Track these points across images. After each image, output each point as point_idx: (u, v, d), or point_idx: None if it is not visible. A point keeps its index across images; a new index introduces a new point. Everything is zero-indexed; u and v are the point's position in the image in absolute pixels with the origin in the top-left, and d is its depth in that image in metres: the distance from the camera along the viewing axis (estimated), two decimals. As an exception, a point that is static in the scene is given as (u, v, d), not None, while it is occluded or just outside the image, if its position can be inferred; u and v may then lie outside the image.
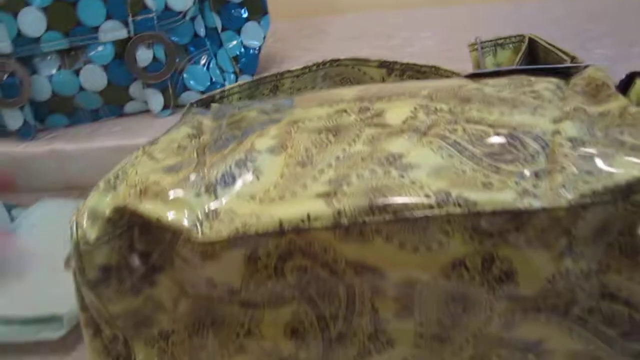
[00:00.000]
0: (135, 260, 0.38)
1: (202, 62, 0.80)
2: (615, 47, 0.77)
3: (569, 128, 0.37)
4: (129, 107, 0.81)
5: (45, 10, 0.74)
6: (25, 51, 0.75)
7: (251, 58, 0.84)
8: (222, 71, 0.82)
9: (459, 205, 0.33)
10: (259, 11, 0.84)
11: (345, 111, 0.42)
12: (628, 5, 0.92)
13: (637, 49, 0.77)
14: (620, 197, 0.32)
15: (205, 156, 0.41)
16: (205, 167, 0.39)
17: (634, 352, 0.37)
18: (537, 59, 0.70)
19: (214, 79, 0.81)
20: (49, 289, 0.58)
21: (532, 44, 0.67)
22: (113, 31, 0.76)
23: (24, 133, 0.78)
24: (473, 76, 0.50)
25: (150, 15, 0.75)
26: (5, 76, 0.75)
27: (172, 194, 0.37)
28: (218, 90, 0.59)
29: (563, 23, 0.88)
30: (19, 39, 0.75)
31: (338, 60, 0.66)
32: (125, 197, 0.38)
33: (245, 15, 0.84)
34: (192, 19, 0.79)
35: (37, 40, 0.75)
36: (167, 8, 0.76)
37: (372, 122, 0.40)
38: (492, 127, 0.38)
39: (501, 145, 0.36)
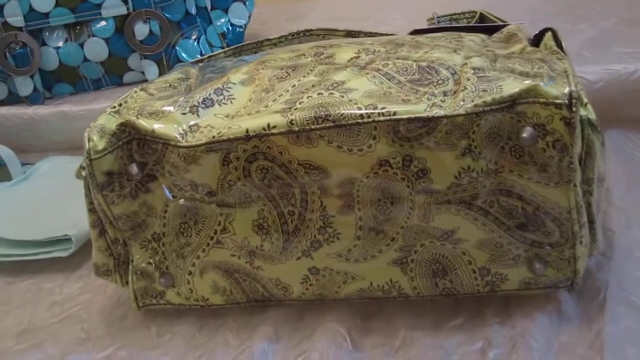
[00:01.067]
0: (134, 168, 0.48)
1: (193, 37, 0.90)
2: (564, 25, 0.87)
3: (475, 61, 0.47)
4: (127, 77, 0.91)
5: (54, -12, 0.84)
6: (36, 25, 0.85)
7: (237, 35, 0.94)
8: (210, 46, 0.92)
9: (383, 114, 0.43)
10: (245, -8, 0.94)
11: (304, 55, 0.52)
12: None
13: (582, 24, 0.87)
14: (506, 108, 0.42)
15: (191, 89, 0.51)
16: (190, 95, 0.49)
17: (529, 241, 0.47)
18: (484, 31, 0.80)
19: (203, 52, 0.90)
20: (58, 218, 0.67)
21: (483, 18, 0.77)
22: (114, 8, 0.86)
23: (34, 99, 0.88)
24: (415, 32, 0.60)
25: (147, -6, 0.85)
26: (18, 47, 0.85)
27: (163, 113, 0.47)
28: (206, 56, 0.69)
29: (523, 4, 0.98)
30: (31, 13, 0.84)
31: (310, 30, 0.75)
32: (126, 116, 0.47)
33: (232, -4, 0.94)
34: (184, -2, 0.89)
35: (46, 15, 0.85)
36: (162, -13, 0.86)
37: (323, 61, 0.50)
38: (416, 61, 0.48)
39: (420, 73, 0.46)
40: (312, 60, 0.51)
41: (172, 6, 0.87)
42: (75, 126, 0.85)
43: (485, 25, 0.60)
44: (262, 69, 0.51)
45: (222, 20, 0.94)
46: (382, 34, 0.73)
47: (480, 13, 0.79)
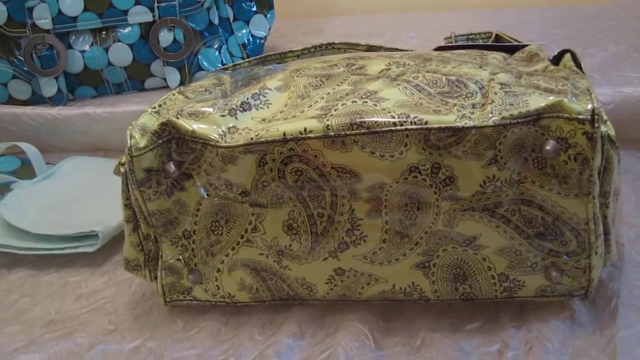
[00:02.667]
0: (171, 167, 0.50)
1: (215, 46, 0.93)
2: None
3: (502, 77, 0.49)
4: (149, 82, 0.93)
5: (83, -7, 0.86)
6: (64, 28, 0.88)
7: (257, 46, 0.97)
8: (231, 55, 0.94)
9: (415, 123, 0.45)
10: (266, 6, 0.97)
11: (336, 65, 0.54)
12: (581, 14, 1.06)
13: (591, 49, 0.90)
14: (531, 121, 0.45)
15: (227, 94, 0.53)
16: (228, 98, 0.51)
17: (547, 249, 0.49)
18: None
19: (224, 62, 0.93)
20: (83, 214, 0.69)
21: (498, 38, 0.80)
22: (140, 15, 0.88)
23: (57, 100, 0.90)
24: (440, 49, 0.62)
25: (173, 3, 0.88)
26: (44, 49, 0.88)
27: (203, 114, 0.49)
28: (230, 65, 0.71)
29: (534, 27, 1.01)
30: (59, 16, 0.87)
31: (333, 43, 0.78)
32: (167, 117, 0.50)
33: (254, 8, 0.96)
34: (208, 8, 0.92)
35: (74, 19, 0.87)
36: (188, -3, 0.88)
37: (355, 72, 0.53)
38: (445, 75, 0.50)
39: (449, 86, 0.49)
40: (344, 71, 0.53)
41: (196, 16, 0.90)
42: (97, 128, 0.87)
43: (507, 45, 0.63)
44: (297, 76, 0.53)
45: (244, 31, 0.96)
46: (402, 50, 0.75)
47: (496, 34, 0.82)
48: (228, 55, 0.94)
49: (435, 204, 0.48)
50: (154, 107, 0.52)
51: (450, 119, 0.45)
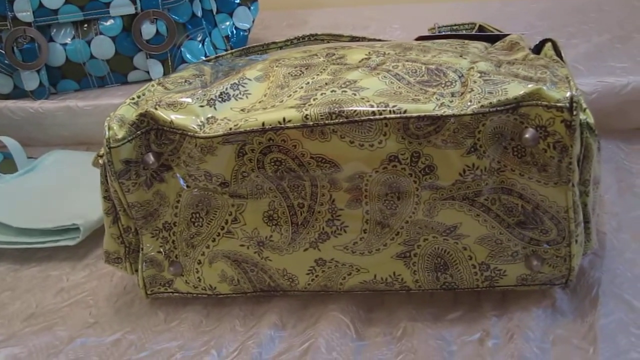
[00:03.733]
0: (150, 158, 0.50)
1: (198, 39, 0.92)
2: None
3: (481, 65, 0.49)
4: (132, 75, 0.92)
5: (64, -14, 0.86)
6: (45, 21, 0.87)
7: (241, 38, 0.97)
8: (215, 48, 0.94)
9: (394, 112, 0.45)
10: (249, -2, 0.97)
11: (316, 55, 0.54)
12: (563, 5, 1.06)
13: (575, 40, 0.90)
14: (510, 109, 0.45)
15: (207, 84, 0.53)
16: (207, 88, 0.51)
17: (527, 238, 0.49)
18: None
19: (207, 54, 0.92)
20: (65, 208, 0.69)
21: (482, 29, 0.80)
22: (122, 7, 0.87)
23: (39, 94, 0.89)
24: (421, 38, 0.62)
25: (155, -5, 0.87)
26: (26, 42, 0.87)
27: (182, 104, 0.49)
28: (212, 57, 0.71)
29: (519, 20, 1.01)
30: (40, 9, 0.86)
31: (316, 35, 0.78)
32: (145, 107, 0.49)
33: (237, 0, 0.96)
34: (191, 1, 0.91)
35: (55, 11, 0.86)
36: (170, -11, 0.88)
37: (335, 62, 0.52)
38: (424, 64, 0.50)
39: (429, 75, 0.48)
40: (324, 60, 0.53)
41: (178, 8, 0.89)
42: (79, 122, 0.87)
43: (488, 35, 0.63)
44: (277, 66, 0.53)
45: (227, 23, 0.96)
46: (385, 40, 0.75)
47: (479, 25, 0.82)
48: (211, 48, 0.93)
49: (415, 194, 0.48)
50: (133, 98, 0.52)
51: (429, 107, 0.45)
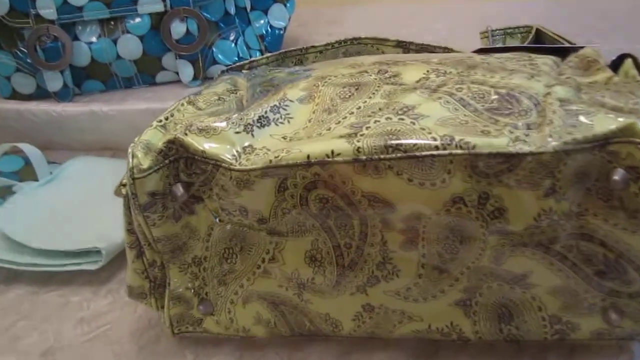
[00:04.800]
0: (179, 189, 0.44)
1: (231, 38, 0.86)
2: (622, 44, 0.82)
3: (559, 90, 0.42)
4: (160, 76, 0.87)
5: (90, -19, 0.80)
6: (69, 18, 0.82)
7: (276, 37, 0.91)
8: (248, 48, 0.88)
9: (461, 147, 0.39)
10: (285, -6, 0.90)
11: (366, 72, 0.48)
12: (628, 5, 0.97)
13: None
14: (597, 147, 0.38)
15: (243, 105, 0.47)
16: (244, 111, 0.45)
17: (607, 289, 0.43)
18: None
19: (240, 55, 0.87)
20: (87, 227, 0.64)
21: (539, 34, 0.73)
22: (151, 4, 0.82)
23: (63, 95, 0.84)
24: (480, 51, 0.56)
25: (186, -9, 0.81)
26: (49, 41, 0.82)
27: (215, 130, 0.43)
28: (247, 61, 0.65)
29: (573, 19, 0.94)
30: (64, 6, 0.81)
31: (359, 38, 0.71)
32: (173, 132, 0.44)
33: (272, -3, 0.90)
34: (224, -3, 0.85)
35: (80, 8, 0.81)
36: (201, -15, 0.82)
37: (389, 81, 0.46)
38: (493, 87, 0.43)
39: (499, 101, 0.42)
40: (376, 79, 0.47)
41: (211, 5, 0.84)
42: (104, 127, 0.82)
43: (556, 47, 0.56)
44: (323, 85, 0.47)
45: (262, 21, 0.90)
46: (436, 47, 0.69)
47: (537, 29, 0.75)
48: (245, 48, 0.87)
49: (482, 239, 0.42)
50: (160, 121, 0.46)
51: (501, 142, 0.39)
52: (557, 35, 0.73)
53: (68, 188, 0.72)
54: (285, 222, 0.44)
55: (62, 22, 0.82)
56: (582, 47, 0.53)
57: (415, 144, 0.39)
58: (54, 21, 0.81)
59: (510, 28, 0.76)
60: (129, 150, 0.44)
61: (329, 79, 0.47)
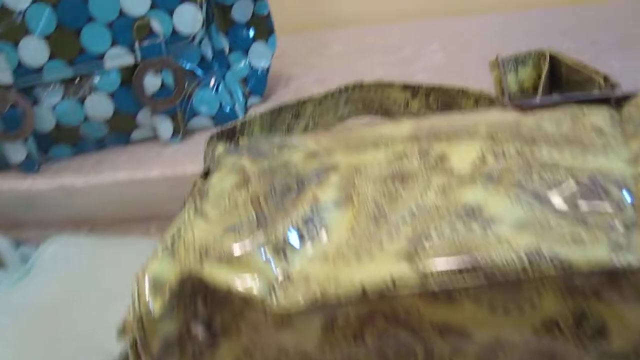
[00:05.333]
0: (199, 330, 0.36)
1: (211, 85, 0.78)
2: (630, 59, 0.76)
3: (651, 171, 0.35)
4: (135, 134, 0.78)
5: (47, 38, 0.71)
6: (27, 81, 0.72)
7: (260, 79, 0.82)
8: (231, 94, 0.79)
9: (554, 266, 0.31)
10: (266, 30, 0.82)
11: (406, 155, 0.40)
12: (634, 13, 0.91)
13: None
14: None
15: (263, 211, 0.39)
16: (268, 225, 0.37)
17: None
18: (560, 76, 0.69)
19: (223, 103, 0.78)
20: (74, 336, 0.55)
21: (554, 60, 0.66)
22: (119, 58, 0.73)
23: (28, 166, 0.75)
24: (519, 107, 0.48)
25: (158, 41, 0.72)
26: (7, 108, 0.72)
27: (238, 259, 0.35)
28: (238, 121, 0.57)
29: (573, 34, 0.87)
30: (20, 69, 0.71)
31: (361, 84, 0.64)
32: (186, 262, 0.35)
33: (252, 35, 0.81)
34: (199, 41, 0.76)
35: (39, 70, 0.72)
36: (175, 32, 0.73)
37: (438, 168, 0.38)
38: (569, 172, 0.36)
39: (583, 194, 0.35)
40: (420, 166, 0.39)
41: (186, 52, 0.75)
42: (79, 202, 0.72)
43: (604, 97, 0.48)
44: (359, 178, 0.39)
45: (243, 63, 0.81)
46: (452, 89, 0.61)
47: (551, 54, 0.69)
48: (227, 95, 0.79)
49: (577, 363, 0.34)
50: (166, 245, 0.37)
51: (600, 253, 0.31)
52: (577, 62, 0.66)
53: (46, 284, 0.63)
54: (335, 355, 0.36)
55: (20, 86, 0.72)
56: (627, 94, 0.47)
57: (495, 265, 0.32)
58: (10, 86, 0.72)
59: (520, 55, 0.70)
60: (133, 288, 0.35)
61: (365, 169, 0.39)
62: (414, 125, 0.45)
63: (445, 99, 0.63)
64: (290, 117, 0.62)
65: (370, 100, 0.66)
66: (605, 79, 0.58)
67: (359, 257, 0.34)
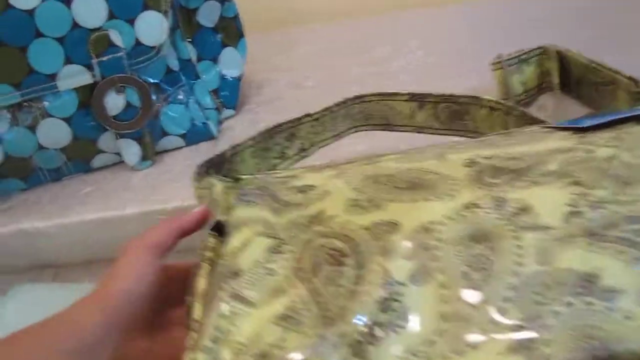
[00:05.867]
0: None
1: (180, 99, 0.69)
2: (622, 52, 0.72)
3: None
4: (97, 161, 0.69)
5: (-12, 60, 0.60)
6: (-33, 110, 0.62)
7: (232, 89, 0.74)
8: (202, 108, 0.71)
9: None
10: (235, 35, 0.73)
11: (478, 206, 0.34)
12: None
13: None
14: None
15: (318, 291, 0.31)
16: (334, 315, 0.30)
17: None
18: (568, 75, 0.64)
19: (194, 119, 0.70)
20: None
21: (562, 56, 0.62)
22: (75, 76, 0.63)
23: (-26, 207, 0.65)
24: (570, 129, 0.42)
25: (119, 54, 0.63)
26: (-56, 142, 0.62)
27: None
28: (228, 148, 0.51)
29: (556, 23, 0.83)
30: (-42, 96, 0.61)
31: (361, 97, 0.58)
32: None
33: (220, 40, 0.73)
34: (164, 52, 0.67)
35: (-19, 96, 0.61)
36: (137, 44, 0.64)
37: (523, 223, 0.32)
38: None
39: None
40: (501, 220, 0.32)
41: (151, 66, 0.66)
42: (40, 246, 0.63)
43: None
44: (431, 243, 0.32)
45: (212, 72, 0.73)
46: (463, 97, 0.56)
47: (557, 52, 0.64)
48: (197, 110, 0.70)
49: None
50: (207, 346, 0.30)
51: None
52: (590, 60, 0.61)
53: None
54: None
55: (-42, 116, 0.62)
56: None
57: (632, 353, 0.26)
58: (-54, 117, 0.61)
59: (523, 53, 0.65)
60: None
61: (433, 230, 0.33)
62: (463, 158, 0.38)
63: (455, 109, 0.58)
64: (284, 139, 0.55)
65: (371, 112, 0.59)
66: (631, 79, 0.53)
67: (460, 352, 0.28)
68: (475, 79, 0.69)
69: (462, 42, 0.82)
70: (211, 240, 0.38)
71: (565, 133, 0.41)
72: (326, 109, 0.56)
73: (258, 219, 0.38)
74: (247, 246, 0.35)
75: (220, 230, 0.38)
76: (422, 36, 0.85)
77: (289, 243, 0.35)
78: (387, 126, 0.60)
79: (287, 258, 0.34)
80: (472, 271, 0.30)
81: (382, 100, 0.58)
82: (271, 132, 0.54)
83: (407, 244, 0.32)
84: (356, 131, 0.60)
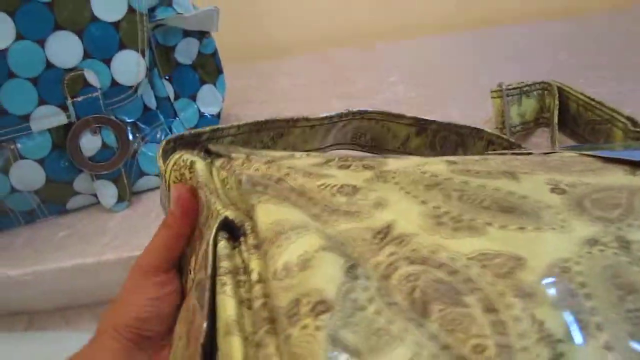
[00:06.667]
0: None
1: (158, 139, 0.68)
2: (617, 78, 0.73)
3: None
4: (72, 203, 0.67)
5: (-42, 102, 0.58)
6: (-64, 154, 0.59)
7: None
8: (180, 147, 0.69)
9: None
10: (214, 71, 0.72)
11: (601, 244, 0.28)
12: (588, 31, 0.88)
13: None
14: None
15: (433, 336, 0.25)
16: None
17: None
18: (567, 111, 0.64)
19: (173, 158, 0.68)
20: None
21: (562, 93, 0.63)
22: (49, 118, 0.61)
23: (-58, 253, 0.62)
24: (620, 161, 0.41)
25: (95, 95, 0.61)
26: None
27: None
28: (208, 129, 0.45)
29: (543, 52, 0.83)
30: None
31: (366, 112, 0.56)
32: None
33: (198, 78, 0.71)
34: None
35: (-50, 139, 0.59)
36: (114, 83, 0.62)
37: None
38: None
39: None
40: (631, 264, 0.28)
41: (127, 105, 0.64)
42: (14, 294, 0.60)
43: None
44: (572, 282, 0.27)
45: (190, 110, 0.71)
46: (465, 128, 0.56)
47: (558, 87, 0.64)
48: (176, 148, 0.69)
49: None
50: None
51: None
52: (589, 98, 0.61)
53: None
54: None
55: None
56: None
57: None
58: None
59: (525, 85, 0.65)
60: None
61: (570, 268, 0.27)
62: (542, 182, 0.33)
63: (453, 139, 0.57)
64: (269, 138, 0.51)
65: (365, 130, 0.57)
66: (630, 119, 0.53)
67: None
68: (464, 110, 0.69)
69: (439, 74, 0.82)
70: (224, 245, 0.31)
71: (626, 167, 0.37)
72: (325, 118, 0.53)
73: (300, 223, 0.30)
74: (311, 264, 0.27)
75: (231, 228, 0.32)
76: (400, 70, 0.84)
77: (361, 265, 0.28)
78: (373, 148, 0.58)
79: (367, 287, 0.27)
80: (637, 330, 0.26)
81: (384, 119, 0.56)
82: (261, 126, 0.49)
83: (550, 288, 0.27)
84: (339, 149, 0.58)
